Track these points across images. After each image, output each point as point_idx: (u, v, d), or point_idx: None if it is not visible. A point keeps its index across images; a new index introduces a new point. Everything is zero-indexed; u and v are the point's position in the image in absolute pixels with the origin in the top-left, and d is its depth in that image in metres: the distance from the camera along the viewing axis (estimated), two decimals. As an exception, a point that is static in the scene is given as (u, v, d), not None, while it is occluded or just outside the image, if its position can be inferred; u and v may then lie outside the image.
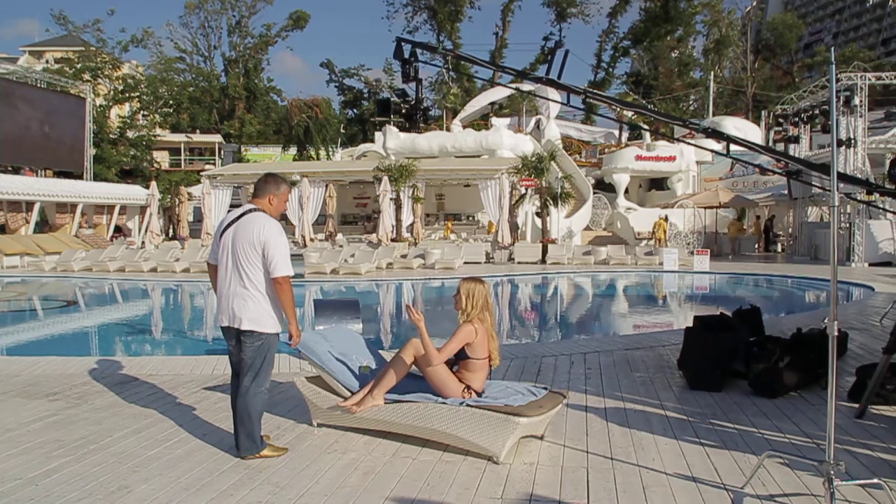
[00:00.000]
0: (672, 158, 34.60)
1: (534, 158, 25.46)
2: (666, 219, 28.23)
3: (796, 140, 24.86)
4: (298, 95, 62.34)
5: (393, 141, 35.21)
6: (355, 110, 67.60)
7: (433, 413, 4.55)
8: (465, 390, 4.64)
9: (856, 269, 20.77)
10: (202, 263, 21.13)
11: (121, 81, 48.52)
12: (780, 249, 29.85)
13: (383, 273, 20.64)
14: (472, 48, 71.72)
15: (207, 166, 47.89)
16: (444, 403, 4.56)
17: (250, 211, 4.52)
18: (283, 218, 31.96)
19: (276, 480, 4.09)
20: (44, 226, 30.51)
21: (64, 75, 40.79)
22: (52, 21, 52.86)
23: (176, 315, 15.99)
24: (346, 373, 5.00)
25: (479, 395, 4.66)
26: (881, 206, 19.07)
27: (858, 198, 17.92)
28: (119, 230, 33.90)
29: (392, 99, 55.32)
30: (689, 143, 28.11)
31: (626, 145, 38.76)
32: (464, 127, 40.30)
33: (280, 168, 33.42)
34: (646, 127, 37.49)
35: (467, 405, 4.49)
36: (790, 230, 28.75)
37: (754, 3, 78.86)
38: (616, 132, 44.24)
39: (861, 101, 21.78)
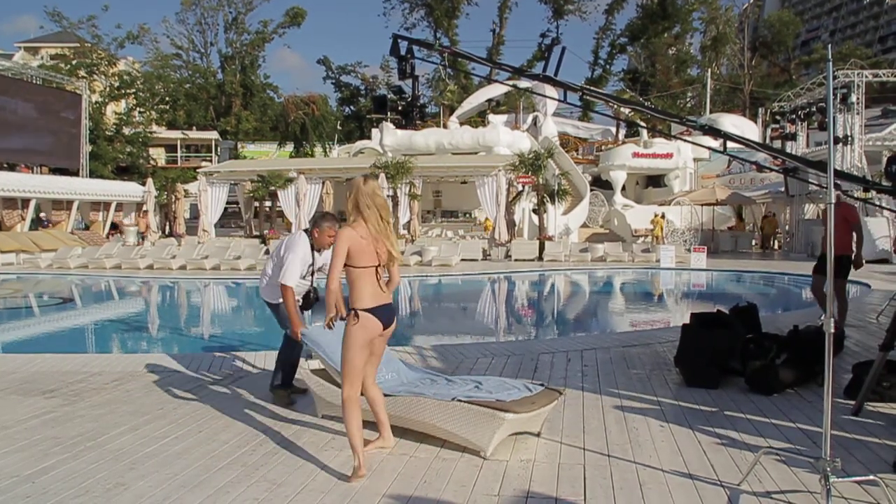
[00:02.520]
0: (669, 155, 34.65)
1: (531, 155, 25.46)
2: (663, 216, 28.26)
3: (793, 137, 24.90)
4: (295, 92, 62.38)
5: (390, 138, 35.19)
6: (352, 107, 67.57)
7: (423, 406, 4.64)
8: (351, 314, 4.06)
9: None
10: (198, 260, 21.13)
11: (117, 78, 48.39)
12: (776, 247, 29.90)
13: (380, 270, 20.59)
14: (470, 45, 71.72)
15: (204, 163, 47.82)
16: (433, 398, 4.62)
17: (304, 230, 5.81)
18: (280, 215, 32.01)
19: (273, 477, 4.09)
20: (39, 223, 30.47)
21: (59, 72, 40.67)
22: (47, 18, 52.72)
23: (172, 312, 15.97)
24: None
25: (369, 310, 4.06)
26: (878, 203, 19.10)
27: (855, 195, 17.93)
28: (115, 227, 33.84)
29: (388, 96, 55.30)
30: (686, 141, 28.15)
31: (624, 142, 38.83)
32: (461, 124, 40.34)
33: (276, 165, 33.39)
34: (643, 124, 37.51)
35: (458, 400, 4.51)
36: (787, 227, 28.79)
37: (751, 1, 78.89)
38: (613, 129, 44.28)
39: (858, 99, 21.82)
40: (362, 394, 4.30)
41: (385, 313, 4.14)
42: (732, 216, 33.00)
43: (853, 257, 8.29)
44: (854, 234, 8.31)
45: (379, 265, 4.11)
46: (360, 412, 4.15)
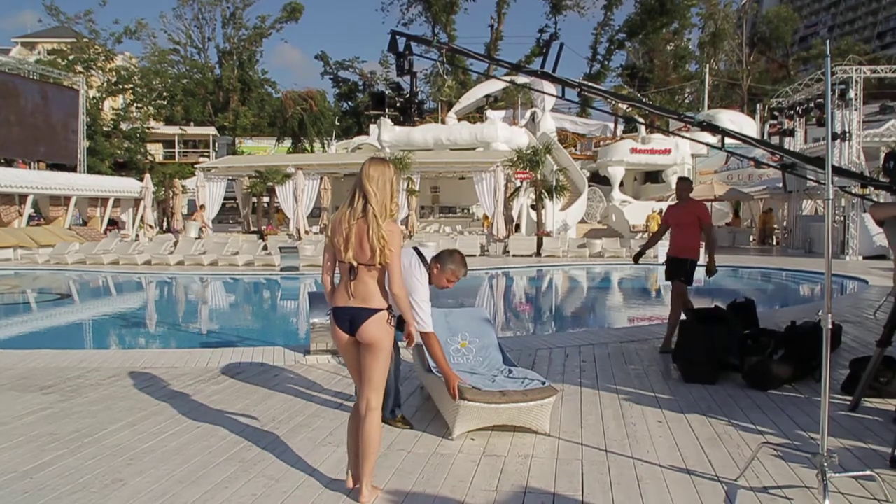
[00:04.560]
0: (667, 151, 34.61)
1: (529, 151, 25.45)
2: (660, 212, 28.24)
3: (791, 133, 24.89)
4: (293, 88, 62.31)
5: (388, 134, 35.15)
6: (350, 103, 67.45)
7: (431, 380, 5.16)
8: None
9: (850, 262, 20.83)
10: (196, 256, 21.11)
11: (114, 73, 48.29)
12: (774, 242, 29.93)
13: (378, 266, 20.58)
14: (467, 41, 71.70)
15: (201, 159, 47.77)
16: (428, 369, 5.08)
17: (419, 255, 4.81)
18: (279, 211, 31.95)
19: (271, 473, 4.09)
20: (38, 218, 30.44)
21: (57, 67, 40.57)
22: (44, 12, 52.60)
23: (170, 308, 15.96)
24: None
25: (337, 310, 3.66)
26: (875, 199, 19.09)
27: (853, 191, 17.94)
28: (113, 223, 33.77)
29: (386, 92, 55.23)
30: (683, 137, 28.10)
31: (622, 138, 38.76)
32: (459, 119, 40.26)
33: (274, 161, 33.37)
34: (641, 120, 37.45)
35: (434, 372, 4.91)
36: (785, 223, 28.81)
37: (750, -4, 78.73)
38: (611, 125, 44.25)
39: (856, 95, 21.79)
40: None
41: (342, 316, 3.61)
42: (730, 212, 32.99)
43: (707, 263, 7.43)
44: (704, 236, 7.54)
45: (344, 261, 3.56)
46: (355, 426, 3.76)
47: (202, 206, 29.23)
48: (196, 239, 25.34)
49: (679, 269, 7.54)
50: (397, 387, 5.04)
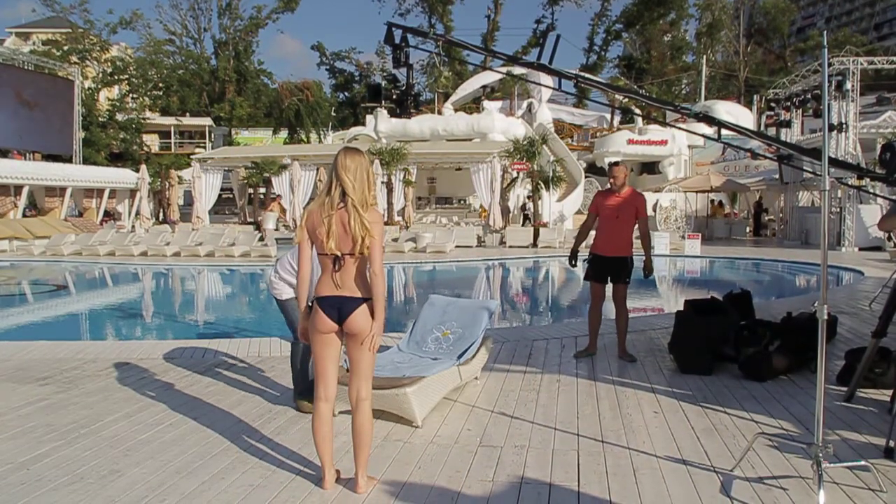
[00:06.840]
0: (664, 142, 34.61)
1: (525, 142, 25.40)
2: (656, 203, 28.25)
3: (788, 124, 24.84)
4: (289, 78, 62.12)
5: (384, 124, 35.07)
6: (346, 93, 67.27)
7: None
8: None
9: (846, 253, 20.87)
10: (192, 247, 21.06)
11: (109, 64, 48.05)
12: (770, 234, 29.96)
13: (375, 257, 20.54)
14: (464, 32, 71.41)
15: (197, 150, 47.56)
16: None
17: None
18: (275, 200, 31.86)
19: (267, 464, 4.09)
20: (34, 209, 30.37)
21: (52, 58, 40.36)
22: (39, 2, 52.26)
23: (166, 299, 15.94)
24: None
25: (323, 299, 3.64)
26: (872, 190, 19.13)
27: (849, 182, 17.95)
28: (109, 214, 33.68)
29: (383, 84, 55.08)
30: (680, 128, 28.08)
31: (618, 129, 38.74)
32: (455, 110, 40.15)
33: (271, 151, 33.24)
34: (638, 111, 37.44)
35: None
36: (781, 214, 28.84)
37: (747, -13, 78.49)
38: (608, 116, 44.19)
39: (853, 86, 21.80)
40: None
41: (329, 305, 3.60)
42: (727, 203, 32.99)
43: (645, 262, 6.89)
44: (639, 231, 6.87)
45: (326, 252, 3.57)
46: (324, 419, 3.71)
47: (279, 196, 26.74)
48: (275, 231, 23.47)
49: (620, 269, 6.77)
50: (306, 370, 5.25)
